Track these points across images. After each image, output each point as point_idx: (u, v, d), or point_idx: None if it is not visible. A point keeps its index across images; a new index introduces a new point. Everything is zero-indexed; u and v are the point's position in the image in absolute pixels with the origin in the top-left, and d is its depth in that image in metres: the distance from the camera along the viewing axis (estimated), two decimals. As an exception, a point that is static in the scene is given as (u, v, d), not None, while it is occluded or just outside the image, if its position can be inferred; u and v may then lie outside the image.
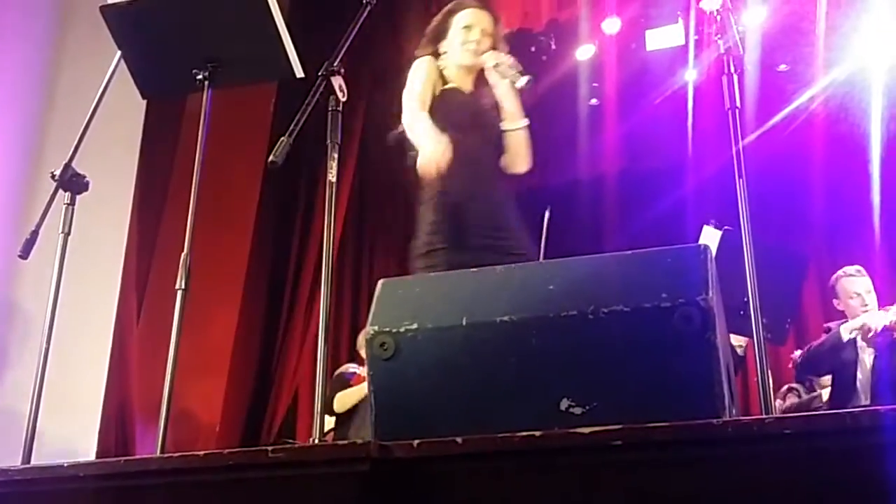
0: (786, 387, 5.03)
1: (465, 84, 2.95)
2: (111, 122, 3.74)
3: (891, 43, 5.96)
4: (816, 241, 6.75)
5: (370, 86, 6.34)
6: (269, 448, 1.60)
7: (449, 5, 3.02)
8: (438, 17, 3.02)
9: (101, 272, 4.24)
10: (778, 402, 4.79)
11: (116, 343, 4.26)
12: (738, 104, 2.15)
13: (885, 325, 4.06)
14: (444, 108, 2.86)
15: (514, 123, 2.89)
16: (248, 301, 5.19)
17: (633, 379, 1.64)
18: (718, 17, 2.18)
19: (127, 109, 3.85)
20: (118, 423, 4.33)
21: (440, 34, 2.99)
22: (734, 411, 1.74)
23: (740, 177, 2.08)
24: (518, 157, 2.90)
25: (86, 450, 4.26)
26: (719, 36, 2.18)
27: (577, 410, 1.65)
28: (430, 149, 2.61)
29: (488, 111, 2.92)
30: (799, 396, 4.81)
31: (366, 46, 5.71)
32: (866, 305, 4.25)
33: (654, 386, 1.62)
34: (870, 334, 4.11)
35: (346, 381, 4.44)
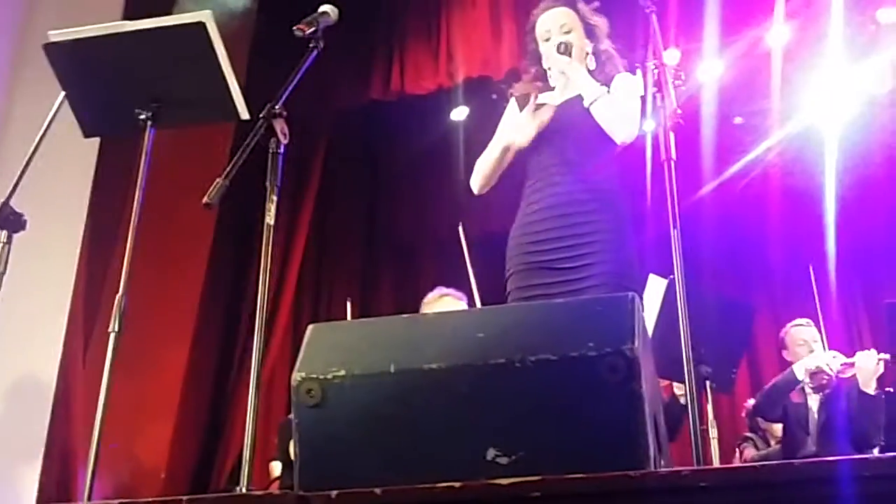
0: (741, 437, 5.04)
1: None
2: (63, 160, 3.72)
3: (843, 98, 6.08)
4: (770, 292, 6.82)
5: (331, 127, 6.38)
6: (185, 497, 1.56)
7: (528, 24, 3.04)
8: (526, 40, 3.05)
9: (45, 312, 4.17)
10: (735, 456, 4.80)
11: (60, 385, 4.17)
12: (673, 156, 2.17)
13: (836, 371, 4.11)
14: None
15: (589, 98, 2.79)
16: (199, 344, 5.11)
17: (559, 428, 1.62)
18: (656, 75, 2.22)
19: (80, 147, 3.81)
20: (60, 468, 4.22)
21: (537, 56, 3.00)
22: (662, 462, 1.73)
23: (675, 227, 2.09)
24: (610, 125, 2.75)
25: (27, 494, 4.15)
26: (656, 90, 2.21)
27: (504, 460, 1.63)
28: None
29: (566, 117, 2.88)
30: (756, 447, 4.81)
31: (328, 85, 5.75)
32: (813, 353, 4.33)
33: (580, 436, 1.61)
34: (823, 378, 4.16)
35: (289, 430, 4.35)
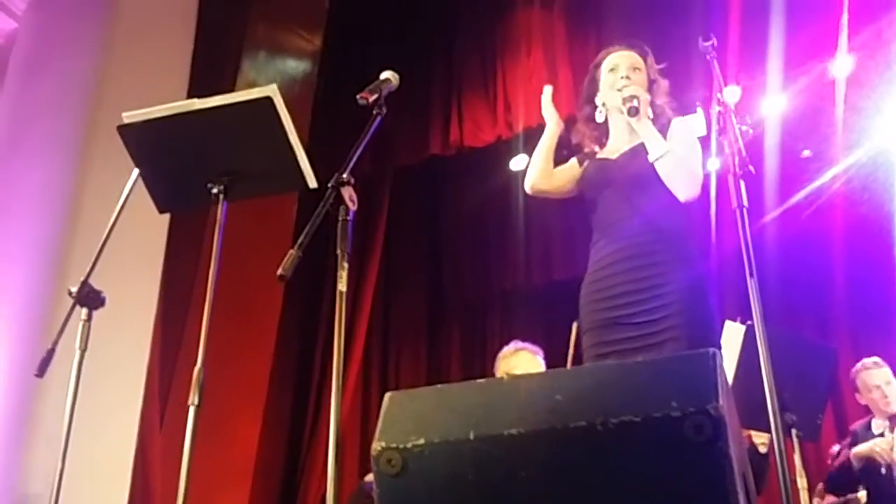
0: (820, 484, 4.85)
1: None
2: (135, 235, 3.82)
3: (912, 126, 5.94)
4: (843, 328, 6.62)
5: (393, 185, 6.44)
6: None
7: (595, 60, 3.06)
8: (588, 75, 3.07)
9: (123, 387, 4.25)
10: (815, 501, 4.61)
11: (139, 458, 4.23)
12: (745, 203, 2.13)
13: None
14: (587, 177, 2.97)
15: (654, 154, 2.77)
16: (272, 411, 5.14)
17: (645, 491, 1.58)
18: (721, 121, 2.19)
19: (151, 222, 3.92)
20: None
21: (593, 90, 3.01)
22: (755, 521, 1.67)
23: (751, 276, 2.05)
24: (674, 183, 2.73)
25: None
26: (722, 136, 2.18)
27: (589, 526, 1.59)
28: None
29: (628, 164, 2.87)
30: (836, 495, 4.62)
31: (388, 144, 5.82)
32: (887, 397, 4.20)
33: (668, 498, 1.57)
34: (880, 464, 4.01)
35: (368, 493, 4.33)
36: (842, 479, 4.23)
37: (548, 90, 3.05)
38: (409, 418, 1.77)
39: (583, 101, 3.07)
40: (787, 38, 5.16)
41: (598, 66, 3.01)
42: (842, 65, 5.50)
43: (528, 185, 3.07)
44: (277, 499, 5.54)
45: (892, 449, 3.95)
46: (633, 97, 2.80)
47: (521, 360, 3.87)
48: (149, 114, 2.60)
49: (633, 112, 2.80)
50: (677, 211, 2.78)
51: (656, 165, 2.75)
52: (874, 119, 5.93)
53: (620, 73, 2.91)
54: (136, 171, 2.75)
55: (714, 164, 6.41)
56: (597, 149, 2.99)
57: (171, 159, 2.69)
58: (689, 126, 2.86)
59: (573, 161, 3.10)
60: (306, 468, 5.59)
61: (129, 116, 2.63)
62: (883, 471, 4.04)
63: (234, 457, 4.70)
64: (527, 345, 3.96)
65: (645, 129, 2.81)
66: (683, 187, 2.72)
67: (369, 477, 4.62)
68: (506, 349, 3.97)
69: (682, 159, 2.75)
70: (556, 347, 4.24)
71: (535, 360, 3.90)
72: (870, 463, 4.06)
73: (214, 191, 2.62)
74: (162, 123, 2.60)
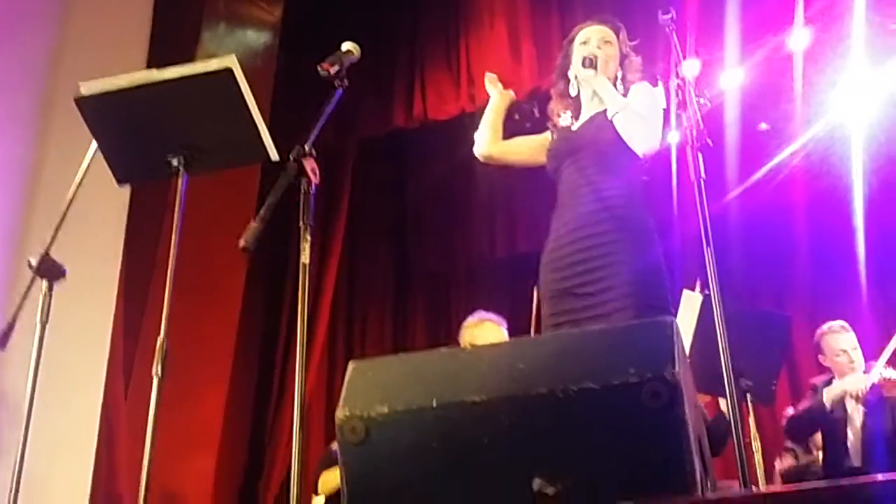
0: (784, 447, 4.97)
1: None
2: (96, 207, 3.78)
3: (868, 98, 6.03)
4: (803, 297, 6.75)
5: (356, 157, 6.42)
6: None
7: (569, 35, 3.09)
8: (562, 51, 3.10)
9: (86, 358, 4.23)
10: (776, 462, 4.74)
11: (104, 430, 4.22)
12: (703, 175, 2.17)
13: (873, 384, 4.03)
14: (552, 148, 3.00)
15: (612, 109, 2.80)
16: (237, 381, 5.15)
17: (604, 456, 1.63)
18: (679, 94, 2.22)
19: (112, 194, 3.87)
20: (107, 508, 4.26)
21: (566, 64, 3.03)
22: (708, 483, 1.72)
23: (708, 245, 2.09)
24: (632, 137, 2.75)
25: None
26: (681, 109, 2.22)
27: (550, 490, 1.63)
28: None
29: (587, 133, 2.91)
30: (796, 458, 4.75)
31: (351, 116, 5.80)
32: (853, 362, 4.23)
33: (626, 463, 1.61)
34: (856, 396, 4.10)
35: (335, 459, 4.35)
36: (801, 424, 4.32)
37: (490, 76, 3.22)
38: (373, 387, 1.80)
39: (556, 76, 3.09)
40: (743, 11, 5.21)
41: (571, 41, 3.03)
42: (798, 38, 5.57)
43: (476, 152, 3.17)
44: (244, 467, 5.56)
45: (865, 387, 4.02)
46: (592, 54, 2.85)
47: (484, 330, 3.90)
48: (106, 85, 2.57)
49: (589, 63, 2.83)
50: (631, 186, 2.82)
51: (614, 121, 2.78)
52: (830, 93, 6.02)
53: (591, 46, 2.93)
54: (94, 144, 2.73)
55: (674, 138, 6.50)
56: (573, 122, 3.01)
57: (130, 131, 2.65)
58: (649, 88, 2.89)
59: (547, 133, 3.13)
60: (273, 437, 5.61)
61: (87, 87, 2.60)
62: (841, 413, 4.12)
63: (199, 426, 4.71)
64: (491, 315, 3.99)
65: (603, 86, 2.85)
66: (640, 140, 2.75)
67: (336, 443, 4.63)
68: (470, 319, 4.00)
69: (640, 114, 2.79)
70: (520, 319, 4.27)
71: (499, 330, 3.93)
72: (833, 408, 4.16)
73: (174, 163, 2.60)
74: (120, 95, 2.57)
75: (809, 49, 5.69)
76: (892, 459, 3.95)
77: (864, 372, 4.17)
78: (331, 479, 4.23)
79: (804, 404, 4.35)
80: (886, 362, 4.11)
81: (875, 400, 4.08)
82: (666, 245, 2.73)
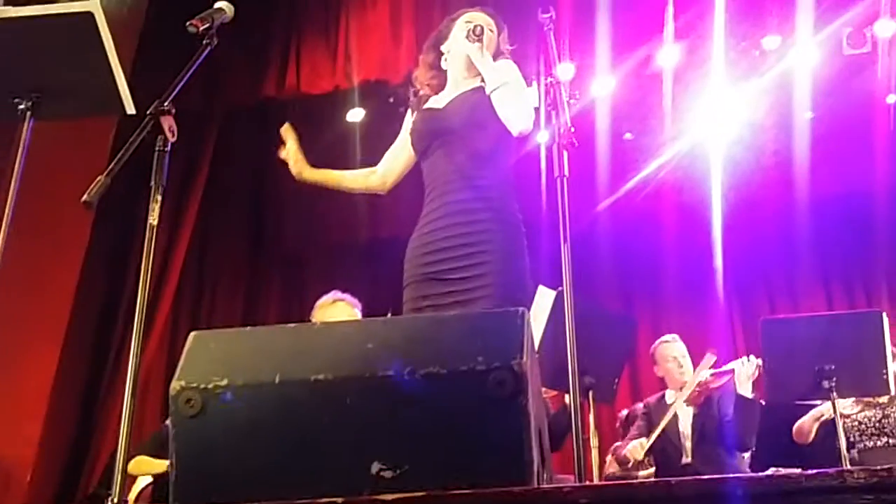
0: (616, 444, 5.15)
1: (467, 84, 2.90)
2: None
3: (726, 120, 6.34)
4: (659, 305, 7.05)
5: (221, 124, 6.21)
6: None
7: (453, 14, 3.03)
8: (442, 24, 3.03)
9: None
10: (608, 458, 4.91)
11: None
12: (566, 174, 2.21)
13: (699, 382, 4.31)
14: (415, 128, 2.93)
15: (492, 85, 2.76)
16: (71, 344, 4.88)
17: (445, 442, 1.62)
18: (550, 92, 2.25)
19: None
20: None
21: (441, 38, 2.97)
22: (545, 475, 1.74)
23: (565, 241, 2.13)
24: (510, 115, 2.72)
25: None
26: (551, 108, 2.24)
27: (388, 474, 1.60)
28: None
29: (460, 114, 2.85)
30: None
31: (219, 80, 5.61)
32: (682, 367, 4.56)
33: (466, 450, 1.61)
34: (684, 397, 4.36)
35: (166, 439, 4.17)
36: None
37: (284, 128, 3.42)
38: (214, 359, 1.73)
39: (428, 48, 3.04)
40: (615, 20, 5.35)
41: (454, 19, 2.99)
42: (668, 55, 5.78)
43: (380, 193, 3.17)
44: (72, 436, 5.28)
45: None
46: (479, 26, 2.82)
47: (338, 310, 3.85)
48: (-47, 15, 2.38)
49: (475, 37, 2.80)
50: (504, 176, 2.82)
51: (493, 97, 2.76)
52: (694, 111, 6.29)
53: (476, 28, 2.89)
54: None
55: (543, 137, 6.64)
56: (432, 96, 2.97)
57: (-25, 67, 2.47)
58: (516, 67, 2.89)
59: (406, 118, 3.08)
60: (105, 405, 5.35)
61: (-71, 16, 2.40)
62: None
63: (28, 389, 4.44)
64: (346, 296, 3.94)
65: (485, 60, 2.82)
66: (517, 118, 2.73)
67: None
68: (324, 298, 3.94)
69: (518, 94, 2.78)
70: (377, 304, 4.24)
71: (353, 311, 3.89)
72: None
73: (21, 107, 2.45)
74: (-33, 26, 2.38)
75: (677, 66, 5.91)
76: (724, 451, 4.26)
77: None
78: (144, 466, 4.06)
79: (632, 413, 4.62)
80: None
81: (704, 398, 4.35)
82: (532, 248, 2.75)
